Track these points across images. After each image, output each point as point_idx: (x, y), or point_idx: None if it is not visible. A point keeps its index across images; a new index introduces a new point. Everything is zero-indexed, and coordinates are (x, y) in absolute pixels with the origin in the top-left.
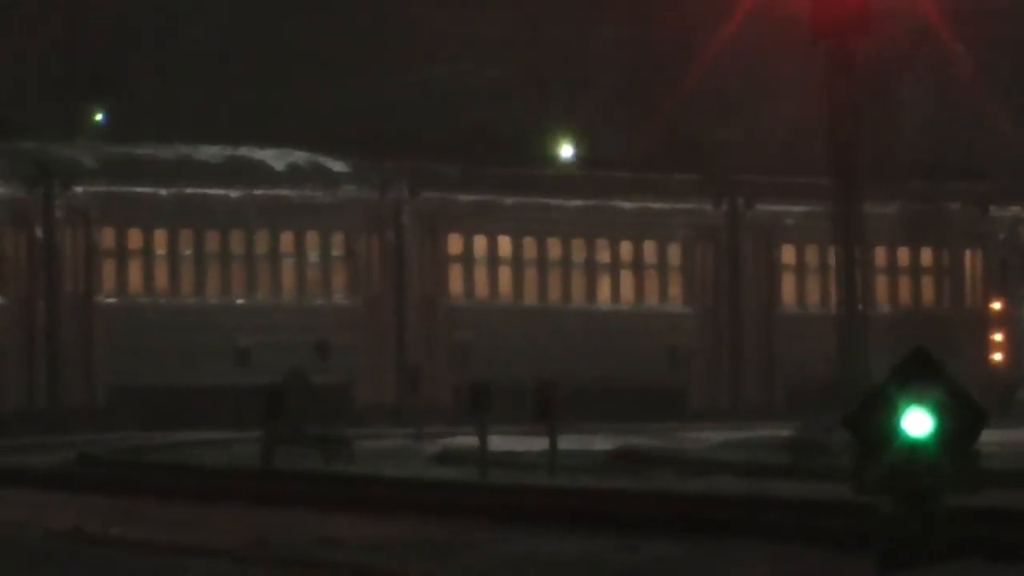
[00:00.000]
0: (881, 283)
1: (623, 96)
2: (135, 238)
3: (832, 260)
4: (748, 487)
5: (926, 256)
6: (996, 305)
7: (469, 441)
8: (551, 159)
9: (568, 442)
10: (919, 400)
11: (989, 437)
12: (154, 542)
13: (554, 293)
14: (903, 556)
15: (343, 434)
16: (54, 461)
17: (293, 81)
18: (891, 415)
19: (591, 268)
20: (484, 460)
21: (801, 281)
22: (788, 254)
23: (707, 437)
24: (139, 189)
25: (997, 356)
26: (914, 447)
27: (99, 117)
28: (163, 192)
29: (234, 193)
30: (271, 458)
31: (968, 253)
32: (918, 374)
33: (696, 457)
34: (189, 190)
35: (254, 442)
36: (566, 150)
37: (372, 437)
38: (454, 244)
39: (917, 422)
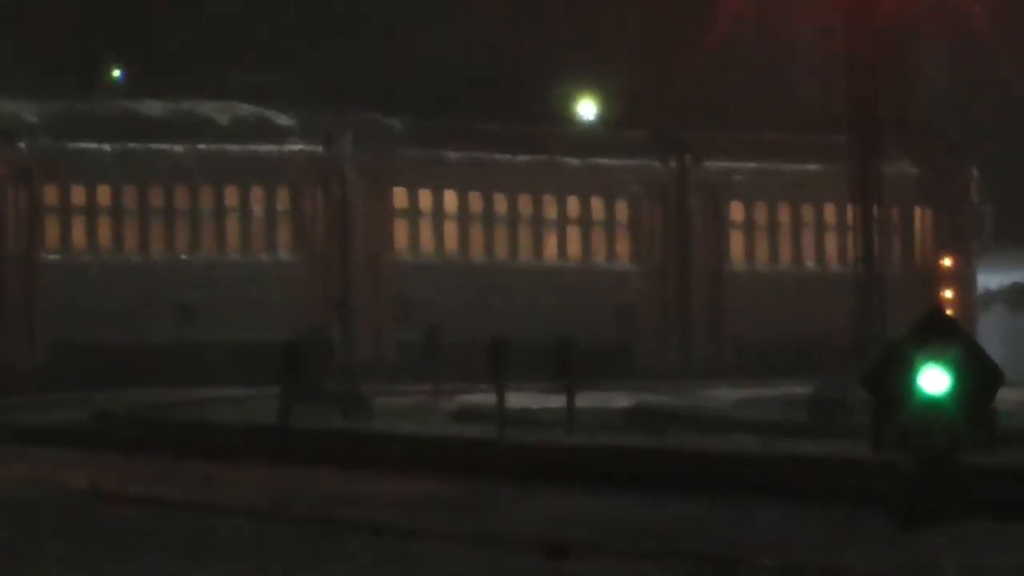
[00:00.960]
0: (831, 240)
1: (639, 54)
2: (78, 195)
3: (781, 217)
4: (766, 445)
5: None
6: (946, 262)
7: (485, 399)
8: (566, 117)
9: (585, 400)
10: (936, 358)
11: (1006, 396)
12: (173, 500)
13: (500, 249)
14: (921, 514)
15: (361, 391)
16: (65, 418)
17: (317, 40)
18: (908, 373)
19: (538, 224)
20: (503, 418)
21: (750, 239)
22: (737, 211)
23: (723, 395)
24: (82, 145)
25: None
26: (931, 405)
27: (116, 74)
28: (106, 148)
29: (178, 148)
30: (289, 415)
31: (919, 210)
32: (935, 332)
33: (714, 415)
34: (132, 145)
35: (268, 399)
36: (587, 109)
37: (388, 394)
38: (399, 198)
39: (934, 380)
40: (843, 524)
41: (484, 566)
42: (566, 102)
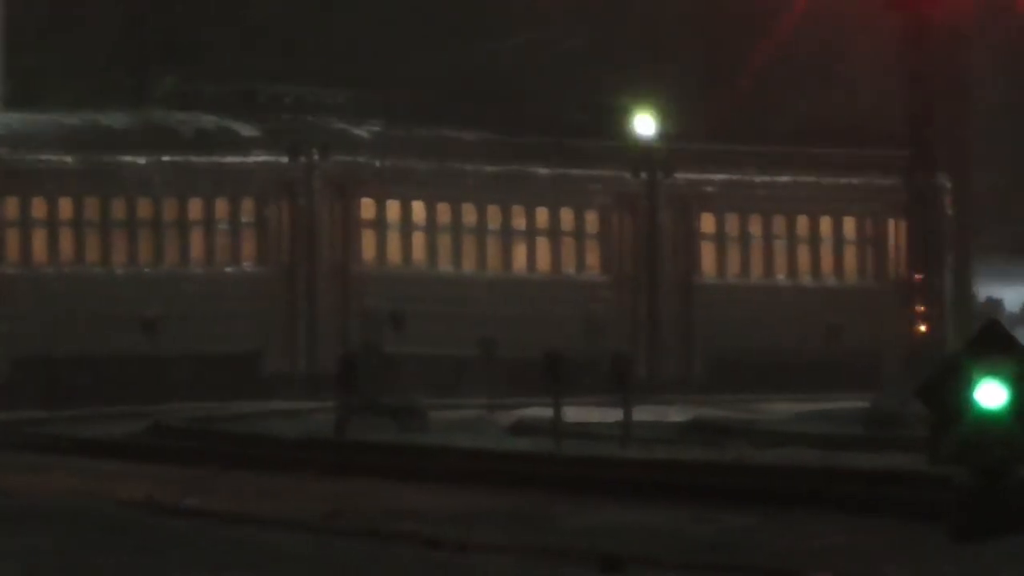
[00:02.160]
0: (803, 252)
1: (691, 68)
2: (39, 207)
3: (753, 229)
4: (823, 458)
5: (848, 226)
6: (917, 275)
7: (543, 413)
8: (626, 134)
9: (641, 413)
10: (993, 372)
11: None
12: (227, 513)
13: (468, 260)
14: (978, 527)
15: (417, 404)
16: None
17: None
18: (965, 387)
19: (507, 235)
20: (558, 431)
21: (721, 250)
22: (708, 223)
23: (781, 408)
24: (43, 156)
25: (921, 328)
26: (987, 419)
27: (171, 85)
28: (68, 159)
29: (142, 159)
30: (345, 428)
31: (892, 223)
32: (992, 346)
33: (771, 428)
34: (96, 157)
35: (327, 412)
36: (646, 124)
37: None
38: (366, 209)
39: (991, 394)
40: (899, 537)
41: None
42: (620, 116)
